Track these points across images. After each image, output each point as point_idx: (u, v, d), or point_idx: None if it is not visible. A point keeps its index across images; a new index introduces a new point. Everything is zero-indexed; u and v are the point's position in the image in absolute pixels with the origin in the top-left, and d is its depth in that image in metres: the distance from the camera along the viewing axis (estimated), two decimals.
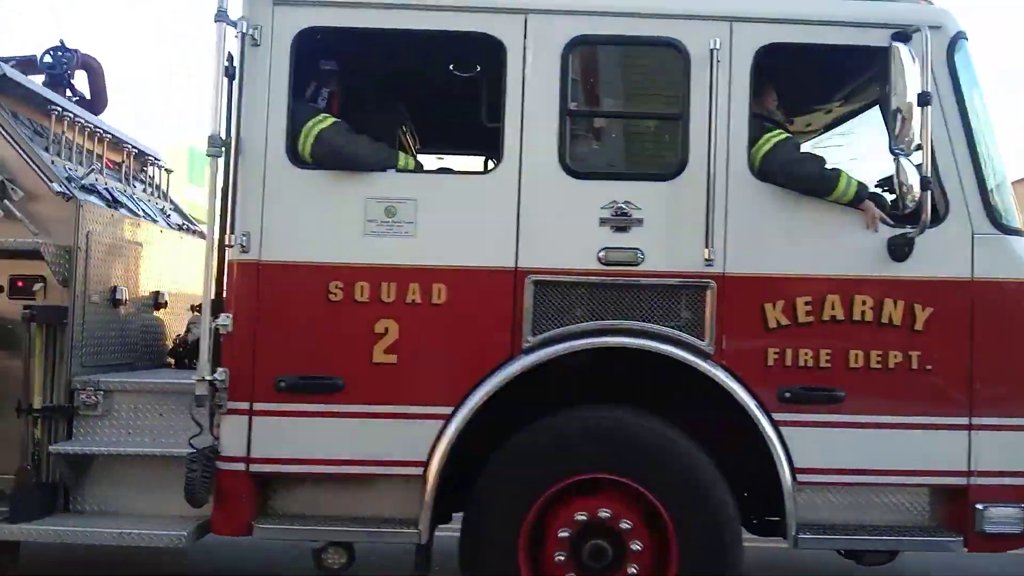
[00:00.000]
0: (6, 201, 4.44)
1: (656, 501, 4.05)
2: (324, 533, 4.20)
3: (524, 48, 4.22)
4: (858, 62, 4.59)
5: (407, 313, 4.16)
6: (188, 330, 5.45)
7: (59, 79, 5.42)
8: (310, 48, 4.26)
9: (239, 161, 4.21)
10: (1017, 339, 4.28)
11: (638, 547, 4.04)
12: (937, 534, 4.28)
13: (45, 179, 4.51)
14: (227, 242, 4.15)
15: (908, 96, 3.95)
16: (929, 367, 4.20)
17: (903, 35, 4.11)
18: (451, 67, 4.86)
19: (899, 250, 4.19)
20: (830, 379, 4.19)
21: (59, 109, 4.96)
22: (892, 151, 4.02)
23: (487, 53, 4.33)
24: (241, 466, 4.14)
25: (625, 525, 4.06)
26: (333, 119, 4.31)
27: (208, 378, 4.06)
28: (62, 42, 5.48)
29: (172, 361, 5.56)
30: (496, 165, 4.29)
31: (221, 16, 4.14)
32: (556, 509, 4.10)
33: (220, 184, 4.30)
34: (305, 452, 4.17)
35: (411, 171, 4.46)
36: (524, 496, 4.07)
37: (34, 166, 4.53)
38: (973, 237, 4.23)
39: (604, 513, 4.06)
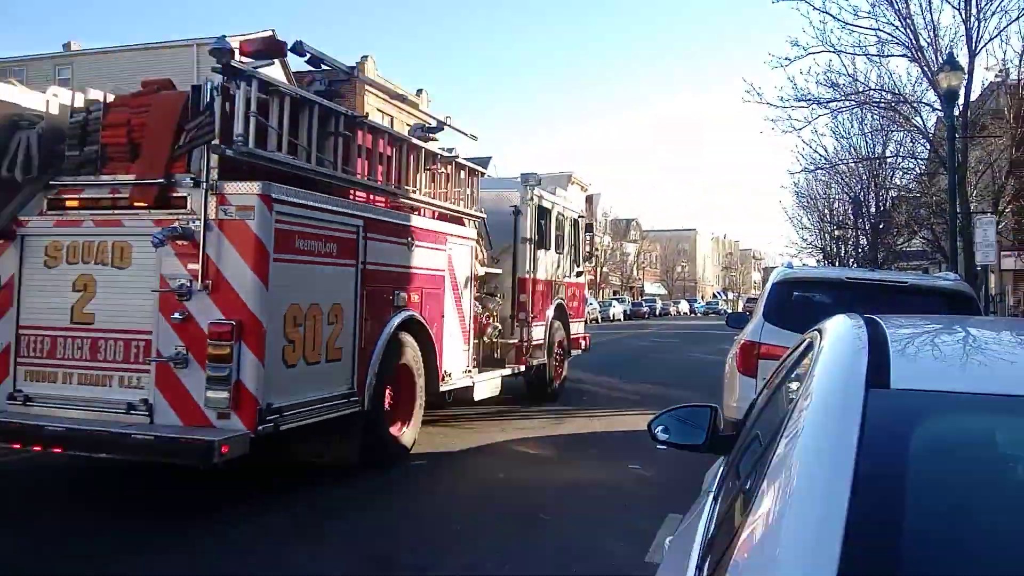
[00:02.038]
0: (488, 248, 11.05)
1: None
2: None
3: (527, 214, 13.63)
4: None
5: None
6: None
7: None
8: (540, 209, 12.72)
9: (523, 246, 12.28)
10: None
11: None
12: None
13: (488, 239, 11.24)
14: (527, 271, 12.20)
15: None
16: None
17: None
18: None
19: None
20: None
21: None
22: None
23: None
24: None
25: None
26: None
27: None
28: None
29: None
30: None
31: (522, 205, 12.25)
32: None
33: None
34: None
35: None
36: None
37: (486, 232, 11.19)
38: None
39: None
